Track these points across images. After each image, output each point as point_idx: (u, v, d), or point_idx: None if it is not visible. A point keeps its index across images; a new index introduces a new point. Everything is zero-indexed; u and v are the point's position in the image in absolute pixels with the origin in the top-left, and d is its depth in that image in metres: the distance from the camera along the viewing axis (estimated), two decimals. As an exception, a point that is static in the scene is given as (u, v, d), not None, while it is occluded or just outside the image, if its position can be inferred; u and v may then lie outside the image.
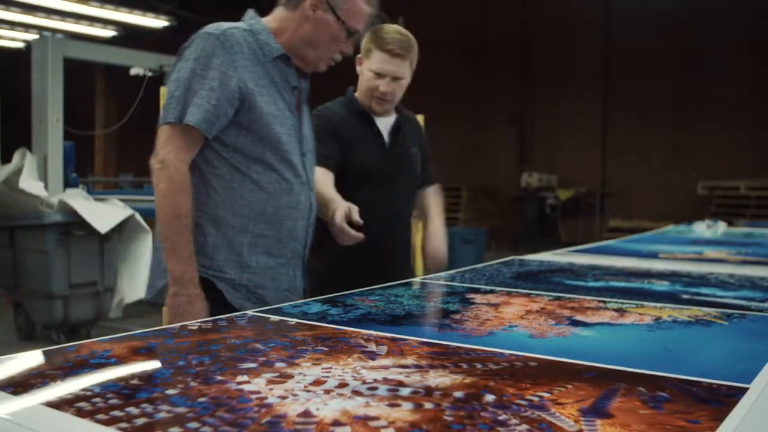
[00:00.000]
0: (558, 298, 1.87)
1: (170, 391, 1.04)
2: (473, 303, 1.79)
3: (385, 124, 2.79)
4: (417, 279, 2.19)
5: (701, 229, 4.63)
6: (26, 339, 5.79)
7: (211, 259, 2.08)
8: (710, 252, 3.28)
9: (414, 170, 2.88)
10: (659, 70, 12.47)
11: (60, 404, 0.99)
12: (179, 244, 1.98)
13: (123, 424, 0.91)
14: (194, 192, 2.03)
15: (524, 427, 0.90)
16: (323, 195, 2.42)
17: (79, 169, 6.83)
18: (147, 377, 1.12)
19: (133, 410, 0.96)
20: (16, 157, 5.91)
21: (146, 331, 1.47)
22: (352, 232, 2.25)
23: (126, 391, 1.05)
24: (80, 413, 0.95)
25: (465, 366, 1.19)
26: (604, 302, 1.83)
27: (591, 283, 2.17)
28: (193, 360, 1.23)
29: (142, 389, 1.06)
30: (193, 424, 0.91)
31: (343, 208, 2.29)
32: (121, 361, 1.22)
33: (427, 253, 2.88)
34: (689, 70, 12.29)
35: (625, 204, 13.08)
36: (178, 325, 1.53)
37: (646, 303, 1.83)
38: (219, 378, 1.11)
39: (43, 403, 1.00)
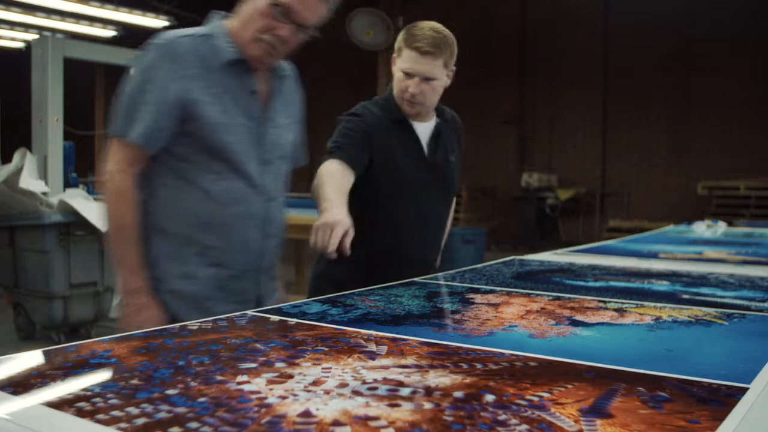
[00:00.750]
0: (558, 298, 1.88)
1: (170, 391, 1.04)
2: (473, 303, 1.79)
3: (424, 129, 2.61)
4: (417, 279, 2.19)
5: (701, 229, 4.64)
6: (26, 339, 5.79)
7: (155, 270, 2.05)
8: (710, 252, 3.28)
9: (452, 181, 2.69)
10: (659, 70, 12.48)
11: (60, 404, 0.99)
12: (125, 255, 1.99)
13: (123, 424, 0.91)
14: (143, 202, 2.01)
15: (524, 427, 0.90)
16: (321, 192, 2.21)
17: (79, 169, 6.83)
18: (147, 377, 1.12)
19: (133, 410, 0.96)
20: (16, 157, 5.91)
21: (146, 331, 1.47)
22: (331, 245, 1.92)
23: (126, 391, 1.05)
24: (80, 413, 0.96)
25: (465, 366, 1.19)
26: (604, 302, 1.83)
27: (591, 283, 2.17)
28: (193, 360, 1.23)
29: (142, 389, 1.06)
30: (193, 424, 0.91)
31: (342, 227, 1.94)
32: (121, 360, 1.22)
33: None
34: (689, 70, 12.29)
35: (624, 204, 13.08)
36: (178, 325, 1.53)
37: (646, 303, 1.83)
38: (219, 378, 1.11)
39: (42, 403, 1.00)
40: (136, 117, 1.97)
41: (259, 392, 1.04)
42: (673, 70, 12.40)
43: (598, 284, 2.15)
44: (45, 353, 1.29)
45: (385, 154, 2.51)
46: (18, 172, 5.68)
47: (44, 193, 5.72)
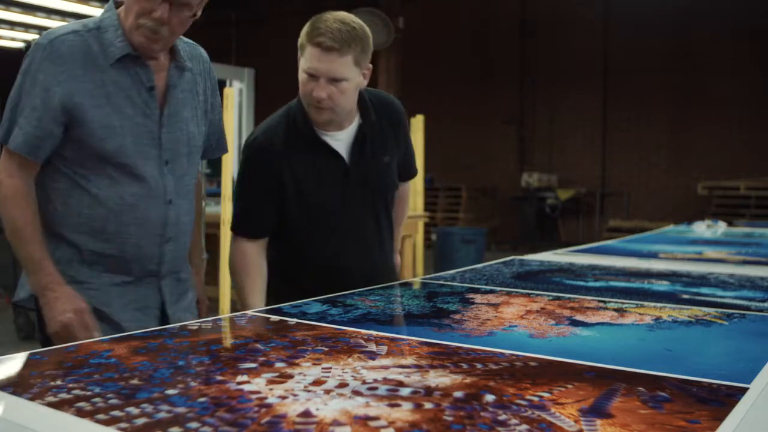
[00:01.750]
0: (558, 298, 1.88)
1: (170, 391, 1.05)
2: (473, 303, 1.79)
3: (343, 137, 2.23)
4: (417, 279, 2.19)
5: (701, 229, 4.64)
6: (26, 339, 5.79)
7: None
8: (710, 252, 3.28)
9: (385, 183, 2.32)
10: (659, 70, 12.48)
11: (60, 404, 0.99)
12: (26, 256, 1.88)
13: (123, 424, 0.91)
14: (39, 207, 1.91)
15: (524, 427, 0.90)
16: (245, 303, 2.14)
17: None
18: (147, 377, 1.13)
19: (133, 410, 0.96)
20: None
21: (146, 332, 1.47)
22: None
23: (126, 392, 1.05)
24: (80, 413, 0.96)
25: (465, 366, 1.19)
26: (604, 302, 1.83)
27: (591, 283, 2.17)
28: (193, 360, 1.23)
29: (142, 389, 1.06)
30: (193, 424, 0.91)
31: None
32: (121, 361, 1.22)
33: None
34: (689, 70, 12.29)
35: (624, 204, 13.08)
36: (178, 325, 1.53)
37: (646, 303, 1.83)
38: (219, 378, 1.11)
39: (43, 403, 1.00)
40: (19, 122, 1.85)
41: (259, 392, 1.04)
42: (673, 69, 12.40)
43: (598, 284, 2.15)
44: (45, 353, 1.29)
45: (297, 182, 2.20)
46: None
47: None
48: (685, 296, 1.98)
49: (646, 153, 12.84)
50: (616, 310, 1.72)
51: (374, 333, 1.43)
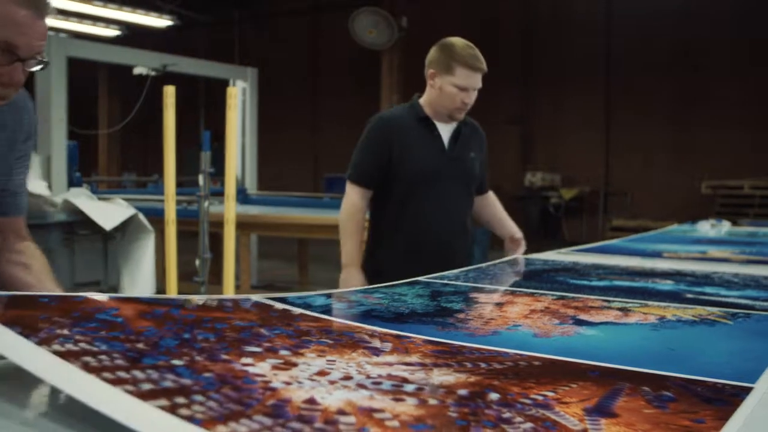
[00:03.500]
0: (562, 298, 1.87)
1: (176, 362, 1.04)
2: (477, 302, 1.79)
3: (446, 129, 2.99)
4: (422, 278, 2.19)
5: (705, 228, 4.63)
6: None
7: None
8: (714, 251, 3.28)
9: (471, 173, 3.05)
10: (662, 69, 12.47)
11: (66, 355, 0.99)
12: None
13: (129, 387, 0.90)
14: None
15: (529, 425, 0.90)
16: (343, 243, 2.91)
17: (83, 168, 6.84)
18: (153, 344, 1.12)
19: (138, 374, 0.96)
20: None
21: (152, 297, 1.46)
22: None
23: (132, 354, 1.04)
24: (87, 368, 0.95)
25: (469, 365, 1.19)
26: (608, 301, 1.83)
27: (595, 283, 2.17)
28: (199, 335, 1.22)
29: (148, 355, 1.05)
30: (199, 397, 0.90)
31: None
32: (127, 322, 1.22)
33: (514, 242, 3.13)
34: (692, 69, 12.27)
35: (628, 203, 13.07)
36: (183, 297, 1.52)
37: (650, 302, 1.83)
38: (224, 357, 1.11)
39: (50, 350, 1.00)
40: None
41: (263, 375, 1.03)
42: (677, 69, 12.38)
43: (602, 283, 2.15)
44: (53, 299, 1.28)
45: (409, 148, 2.91)
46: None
47: (46, 195, 5.73)
48: (690, 296, 1.98)
49: (649, 152, 12.83)
50: (620, 309, 1.72)
51: (378, 329, 1.42)
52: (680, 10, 12.05)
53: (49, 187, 6.01)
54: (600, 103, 13.22)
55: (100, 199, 6.06)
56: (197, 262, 5.17)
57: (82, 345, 1.05)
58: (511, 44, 13.84)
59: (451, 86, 2.87)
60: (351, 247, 2.93)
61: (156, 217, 5.63)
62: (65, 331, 1.10)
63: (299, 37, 15.66)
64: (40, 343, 1.03)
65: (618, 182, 13.27)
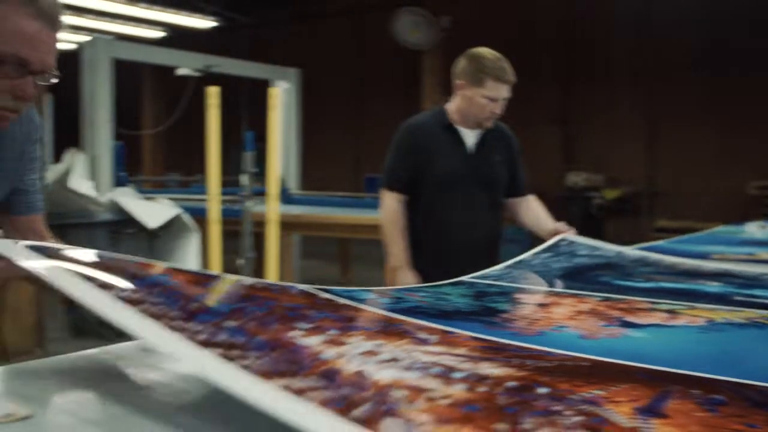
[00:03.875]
0: (607, 299, 1.85)
1: (229, 323, 1.04)
2: (522, 303, 1.78)
3: (471, 135, 3.09)
4: (465, 278, 2.17)
5: (753, 229, 4.55)
6: (78, 335, 5.89)
7: None
8: (763, 253, 3.22)
9: (495, 176, 3.14)
10: (708, 69, 12.28)
11: (131, 300, 1.01)
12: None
13: (186, 335, 0.91)
14: None
15: (579, 418, 0.89)
16: (390, 243, 3.04)
17: (128, 168, 6.93)
18: (206, 308, 1.13)
19: (194, 326, 0.97)
20: (67, 157, 6.02)
21: (201, 271, 1.47)
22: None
23: (187, 310, 1.05)
24: (148, 312, 0.96)
25: (516, 361, 1.18)
26: (655, 303, 1.80)
27: (641, 284, 2.14)
28: (249, 307, 1.23)
29: (203, 313, 1.06)
30: (254, 353, 0.90)
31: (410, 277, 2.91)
32: (181, 286, 1.23)
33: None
34: (738, 69, 12.08)
35: (672, 204, 12.90)
36: (234, 275, 1.53)
37: (698, 304, 1.80)
38: (275, 327, 1.11)
39: (117, 297, 1.02)
40: None
41: (313, 347, 1.03)
42: (723, 68, 12.19)
43: (648, 285, 2.13)
44: (108, 258, 1.29)
45: (434, 154, 3.03)
46: (69, 172, 5.79)
47: (92, 194, 5.82)
48: (738, 298, 1.95)
49: (694, 152, 12.65)
50: (667, 311, 1.70)
51: (424, 323, 1.41)
52: (726, 8, 11.86)
53: (96, 187, 6.10)
54: (644, 103, 13.07)
55: (145, 198, 6.14)
56: (240, 262, 5.21)
57: (140, 295, 1.06)
58: (552, 44, 13.74)
59: (481, 98, 2.95)
60: (398, 249, 3.03)
61: (200, 216, 5.69)
62: (124, 283, 1.11)
63: (342, 37, 15.70)
64: (103, 287, 1.05)
65: (662, 182, 13.10)
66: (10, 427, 0.94)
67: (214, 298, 1.23)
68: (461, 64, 3.03)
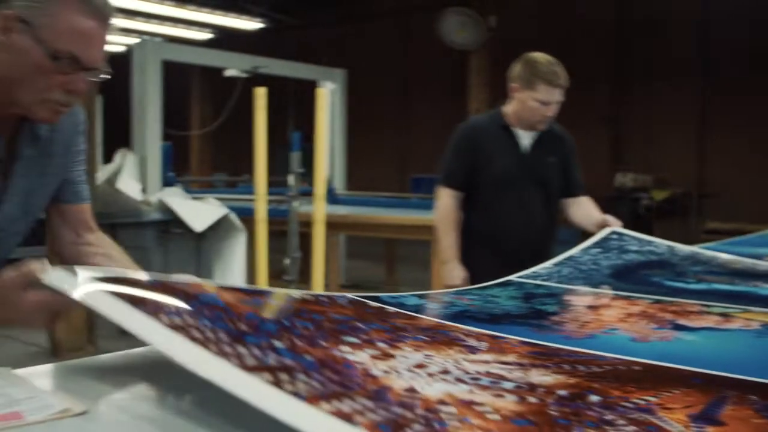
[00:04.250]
0: (659, 301, 1.82)
1: (277, 344, 1.05)
2: (571, 305, 1.77)
3: (526, 136, 3.18)
4: (513, 278, 2.16)
5: (807, 231, 4.44)
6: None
7: None
8: (818, 256, 3.14)
9: (549, 177, 3.23)
10: (759, 69, 12.06)
11: (176, 327, 1.02)
12: None
13: (234, 360, 0.92)
14: None
15: (632, 428, 0.88)
16: (441, 240, 3.18)
17: (176, 168, 7.01)
18: (254, 327, 1.13)
19: (242, 350, 0.97)
20: (118, 157, 6.11)
21: (249, 287, 1.48)
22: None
23: (235, 333, 1.06)
24: (193, 339, 0.97)
25: (567, 367, 1.17)
26: (708, 306, 1.77)
27: (693, 286, 2.11)
28: (298, 323, 1.24)
29: (251, 335, 1.07)
30: (302, 376, 0.91)
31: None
32: (229, 305, 1.24)
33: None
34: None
35: (723, 205, 12.68)
36: (282, 290, 1.54)
37: (753, 308, 1.76)
38: (323, 344, 1.11)
39: (163, 324, 1.03)
40: None
41: (363, 363, 1.03)
42: (776, 66, 11.96)
43: (700, 286, 2.09)
44: (156, 281, 1.30)
45: (489, 154, 3.14)
46: (119, 172, 5.88)
47: (140, 196, 5.90)
48: (794, 301, 1.90)
49: (745, 152, 12.42)
50: (720, 314, 1.67)
51: (473, 329, 1.41)
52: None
53: (144, 188, 6.18)
54: (694, 103, 12.87)
55: (193, 198, 6.21)
56: (286, 261, 5.24)
57: (187, 318, 1.07)
58: (601, 43, 13.60)
59: (533, 101, 3.04)
60: (448, 243, 3.15)
61: (247, 216, 5.73)
62: (171, 307, 1.12)
63: (388, 38, 15.71)
64: (148, 313, 1.06)
65: (712, 183, 12.89)
66: (67, 422, 0.96)
67: (262, 316, 1.23)
68: (516, 68, 3.12)
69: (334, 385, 0.90)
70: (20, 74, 1.54)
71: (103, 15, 1.56)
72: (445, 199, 3.20)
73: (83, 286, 1.17)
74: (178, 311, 1.11)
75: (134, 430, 0.95)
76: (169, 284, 1.29)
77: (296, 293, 1.53)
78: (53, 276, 1.20)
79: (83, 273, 1.22)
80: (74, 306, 1.21)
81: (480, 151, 3.16)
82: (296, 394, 0.84)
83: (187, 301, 1.18)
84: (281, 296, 1.45)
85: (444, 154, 3.26)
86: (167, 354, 0.97)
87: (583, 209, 3.29)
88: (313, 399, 0.83)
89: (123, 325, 1.06)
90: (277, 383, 0.87)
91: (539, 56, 3.11)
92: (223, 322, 1.11)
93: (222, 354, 0.94)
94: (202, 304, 1.19)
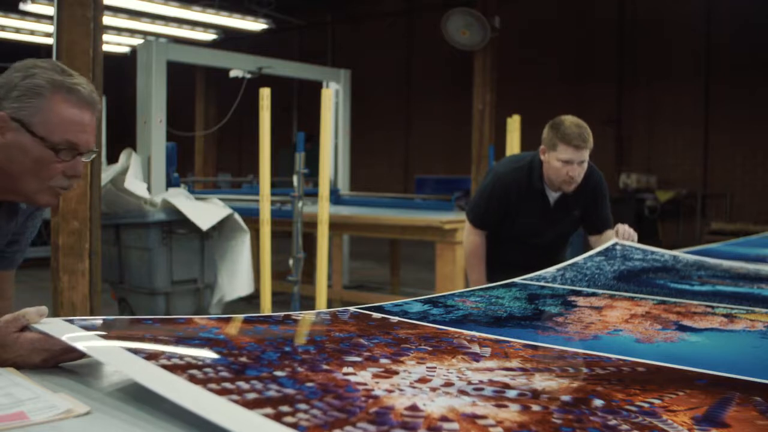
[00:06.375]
0: (663, 302, 1.82)
1: (278, 373, 1.06)
2: (575, 306, 1.76)
3: (556, 193, 3.30)
4: (518, 280, 2.16)
5: (812, 232, 4.44)
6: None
7: None
8: (823, 257, 3.14)
9: (569, 227, 3.42)
10: (761, 69, 12.03)
11: (173, 368, 1.02)
12: None
13: (234, 396, 0.92)
14: None
15: (635, 433, 0.88)
16: (470, 275, 3.37)
17: (180, 169, 7.00)
18: (255, 357, 1.14)
19: (243, 385, 0.98)
20: (123, 157, 6.11)
21: (251, 316, 1.50)
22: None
23: (235, 367, 1.07)
24: (193, 380, 0.98)
25: (571, 370, 1.17)
26: (712, 307, 1.77)
27: (697, 287, 2.10)
28: (299, 348, 1.24)
29: (251, 367, 1.08)
30: (303, 406, 0.91)
31: None
32: (229, 338, 1.25)
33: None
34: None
35: (727, 206, 12.66)
36: (282, 314, 1.55)
37: (757, 309, 1.76)
38: (325, 367, 1.12)
39: (157, 365, 1.04)
40: None
41: (365, 384, 1.04)
42: (780, 67, 11.93)
43: (704, 288, 2.09)
44: (157, 320, 1.33)
45: (515, 209, 3.30)
46: (124, 172, 5.87)
47: (146, 195, 5.90)
48: (799, 303, 1.90)
49: (750, 153, 12.41)
50: (725, 315, 1.67)
51: (477, 334, 1.41)
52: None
53: (149, 187, 6.18)
54: (698, 104, 12.85)
55: (197, 199, 6.21)
56: (291, 262, 5.24)
57: (188, 360, 1.08)
58: (606, 44, 13.59)
59: (556, 161, 3.12)
60: (477, 277, 3.32)
61: (251, 216, 5.73)
62: (170, 349, 1.14)
63: (392, 38, 15.71)
64: (148, 358, 1.07)
65: (717, 184, 12.87)
66: (70, 422, 0.96)
67: (263, 344, 1.24)
68: (545, 130, 3.23)
69: (335, 412, 0.91)
70: (22, 169, 1.64)
71: (90, 103, 1.66)
72: (473, 237, 3.38)
73: (79, 333, 1.20)
74: (176, 353, 1.12)
75: (136, 431, 0.96)
76: (169, 323, 1.31)
77: (297, 315, 1.54)
78: (49, 324, 1.23)
79: (80, 322, 1.26)
80: (72, 351, 1.22)
81: (511, 205, 3.30)
82: (296, 426, 0.85)
83: (185, 341, 1.20)
84: (282, 320, 1.47)
85: (476, 194, 3.46)
86: (167, 396, 0.97)
87: (603, 240, 3.30)
88: (313, 430, 0.85)
89: (122, 371, 1.07)
90: (278, 416, 0.88)
91: (567, 118, 3.19)
92: (223, 357, 1.13)
93: (222, 392, 0.95)
94: (203, 341, 1.21)
